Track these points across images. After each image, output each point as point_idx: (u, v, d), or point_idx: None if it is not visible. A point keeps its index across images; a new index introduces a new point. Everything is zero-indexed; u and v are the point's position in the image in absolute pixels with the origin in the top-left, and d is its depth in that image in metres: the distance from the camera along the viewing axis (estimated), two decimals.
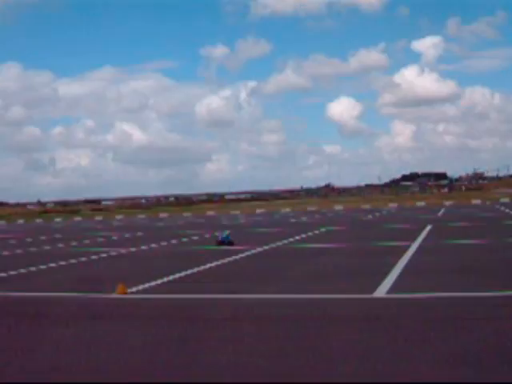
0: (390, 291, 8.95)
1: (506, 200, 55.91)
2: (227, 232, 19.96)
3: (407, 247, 15.45)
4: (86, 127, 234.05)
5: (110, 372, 5.38)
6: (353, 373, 5.01)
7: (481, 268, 11.33)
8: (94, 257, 16.93)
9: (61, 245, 22.96)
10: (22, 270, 13.89)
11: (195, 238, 23.56)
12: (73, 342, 6.67)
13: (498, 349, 5.54)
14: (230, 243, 18.91)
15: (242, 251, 16.31)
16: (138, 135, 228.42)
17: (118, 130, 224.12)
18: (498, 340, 5.87)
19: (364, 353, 5.62)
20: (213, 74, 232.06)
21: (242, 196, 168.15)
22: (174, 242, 21.97)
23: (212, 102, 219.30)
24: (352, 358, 5.48)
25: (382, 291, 8.95)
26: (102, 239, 25.77)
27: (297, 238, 21.29)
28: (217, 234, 21.23)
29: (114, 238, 26.59)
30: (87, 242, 24.24)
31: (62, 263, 15.33)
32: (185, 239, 23.04)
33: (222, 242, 19.06)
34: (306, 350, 5.84)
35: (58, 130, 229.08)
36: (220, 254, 15.65)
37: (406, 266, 11.75)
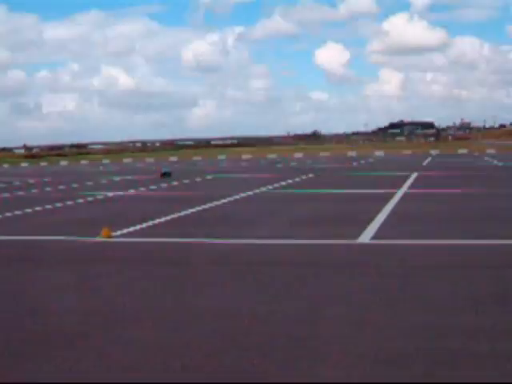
0: (373, 237, 9.04)
1: (492, 151, 56.07)
2: (168, 168, 28.50)
3: (392, 194, 15.55)
4: (72, 71, 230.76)
5: (93, 314, 5.44)
6: (333, 317, 5.10)
7: (465, 217, 11.46)
8: (80, 200, 16.90)
9: (48, 188, 22.87)
10: (8, 214, 13.86)
11: (180, 182, 23.53)
12: (57, 285, 6.72)
13: (468, 296, 5.68)
14: (169, 175, 26.04)
15: (228, 195, 16.33)
16: (124, 79, 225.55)
17: (104, 74, 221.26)
18: (469, 287, 6.00)
19: (346, 297, 5.71)
20: (200, 18, 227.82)
21: (229, 141, 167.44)
22: (163, 185, 21.97)
23: (199, 47, 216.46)
24: (334, 302, 5.58)
25: (366, 237, 9.04)
26: (89, 183, 25.67)
27: (282, 183, 21.32)
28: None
29: (103, 182, 26.49)
30: (75, 185, 24.14)
31: (48, 207, 15.30)
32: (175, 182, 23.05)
33: (163, 174, 26.23)
34: (289, 294, 5.93)
35: (43, 73, 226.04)
36: (206, 198, 15.66)
37: (391, 214, 11.85)
